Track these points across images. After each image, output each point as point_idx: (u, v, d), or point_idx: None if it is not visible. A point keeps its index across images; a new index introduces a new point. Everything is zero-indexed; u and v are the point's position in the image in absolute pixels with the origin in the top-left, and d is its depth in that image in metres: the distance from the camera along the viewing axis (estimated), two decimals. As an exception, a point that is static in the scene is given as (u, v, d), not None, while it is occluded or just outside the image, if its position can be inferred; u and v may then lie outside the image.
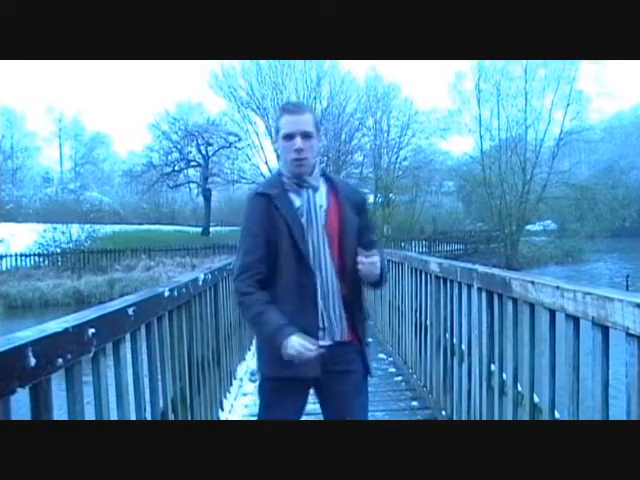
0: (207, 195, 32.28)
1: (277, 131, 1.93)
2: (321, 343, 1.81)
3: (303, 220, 1.87)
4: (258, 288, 1.87)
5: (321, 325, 1.87)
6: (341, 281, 1.90)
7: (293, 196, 1.91)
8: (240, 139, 29.98)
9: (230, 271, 3.96)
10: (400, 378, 4.85)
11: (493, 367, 2.65)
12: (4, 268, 20.75)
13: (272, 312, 1.83)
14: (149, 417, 2.11)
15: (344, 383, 1.90)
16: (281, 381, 1.86)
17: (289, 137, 1.86)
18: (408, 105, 30.08)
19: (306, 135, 1.86)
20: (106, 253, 22.11)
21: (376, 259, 1.84)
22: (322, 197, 1.93)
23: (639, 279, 19.04)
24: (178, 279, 3.04)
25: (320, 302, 1.86)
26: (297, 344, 1.74)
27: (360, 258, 1.82)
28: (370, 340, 2.14)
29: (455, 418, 3.33)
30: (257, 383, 2.07)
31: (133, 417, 1.93)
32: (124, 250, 22.42)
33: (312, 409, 2.06)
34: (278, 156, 1.96)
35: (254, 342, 1.98)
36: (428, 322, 4.03)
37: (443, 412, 3.61)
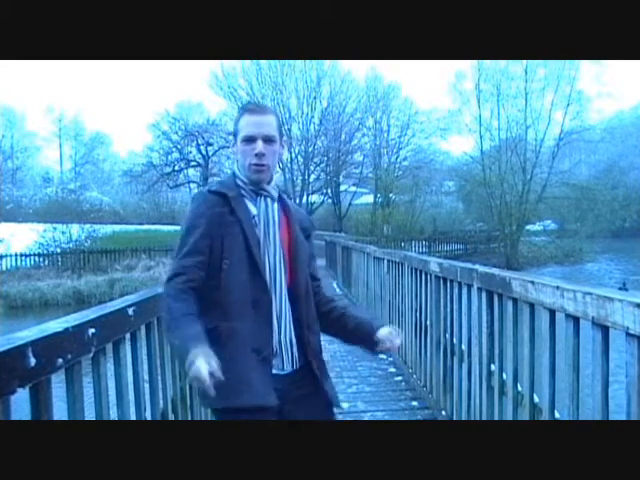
0: (207, 195, 32.20)
1: (235, 133, 1.73)
2: (274, 371, 1.63)
3: (257, 230, 1.67)
4: (188, 295, 1.58)
5: (275, 349, 1.64)
6: (294, 302, 1.70)
7: (249, 203, 1.71)
8: (240, 139, 29.93)
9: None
10: (400, 378, 4.85)
11: (493, 367, 2.65)
12: (4, 268, 20.74)
13: (189, 324, 1.51)
14: (149, 417, 2.11)
15: (305, 410, 1.65)
16: (233, 413, 1.55)
17: (249, 140, 1.68)
18: (408, 105, 30.14)
19: (268, 139, 1.68)
20: (106, 253, 22.10)
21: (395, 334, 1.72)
22: (275, 211, 1.74)
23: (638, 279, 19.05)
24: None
25: (275, 323, 1.65)
26: (195, 367, 1.35)
27: (391, 338, 1.70)
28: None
29: (455, 418, 3.33)
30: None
31: (133, 417, 1.94)
32: (124, 250, 22.41)
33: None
34: (237, 160, 1.74)
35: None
36: (428, 322, 4.03)
37: (443, 412, 3.61)
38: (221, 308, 1.62)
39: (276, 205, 1.75)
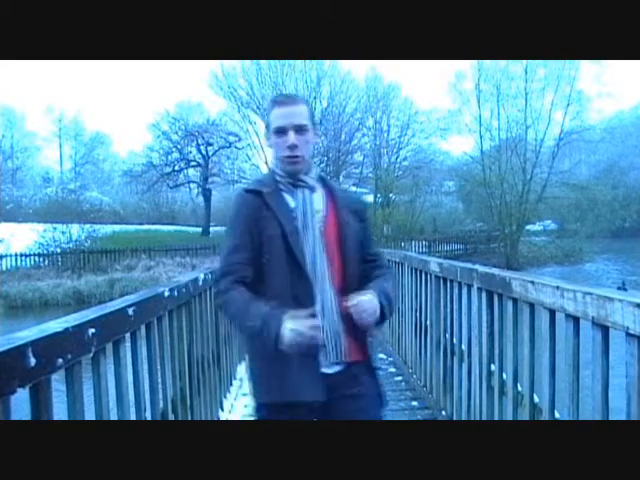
0: (207, 195, 32.29)
1: (268, 126, 1.72)
2: (323, 370, 1.59)
3: (297, 223, 1.65)
4: (242, 287, 1.63)
5: (320, 342, 1.58)
6: (340, 294, 1.64)
7: (287, 196, 1.70)
8: (240, 139, 30.01)
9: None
10: (400, 378, 4.85)
11: (493, 367, 2.65)
12: (4, 268, 20.75)
13: (256, 304, 1.57)
14: (149, 417, 2.11)
15: (353, 409, 1.64)
16: (279, 408, 1.60)
17: (281, 132, 1.66)
18: (408, 105, 30.12)
19: (300, 129, 1.66)
20: (106, 253, 22.11)
21: (366, 306, 1.58)
22: (319, 201, 1.72)
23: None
24: (178, 279, 3.04)
25: (319, 316, 1.59)
26: (296, 326, 1.47)
27: (350, 304, 1.58)
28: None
29: (455, 418, 3.33)
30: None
31: (133, 417, 1.93)
32: (124, 250, 22.42)
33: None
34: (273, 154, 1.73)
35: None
36: (428, 322, 4.03)
37: (443, 412, 3.61)
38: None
39: (318, 194, 1.72)
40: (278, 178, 1.72)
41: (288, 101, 1.70)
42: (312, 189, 1.71)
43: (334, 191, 1.77)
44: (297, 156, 1.67)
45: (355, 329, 1.64)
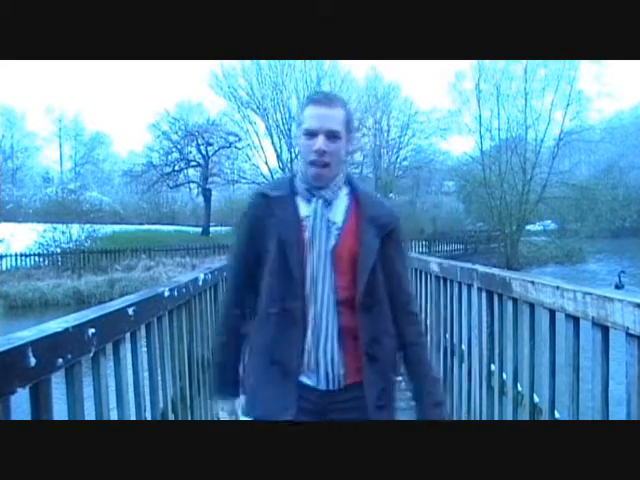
0: (207, 195, 32.27)
1: (299, 124, 1.58)
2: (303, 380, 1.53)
3: (307, 233, 1.52)
4: (241, 305, 1.63)
5: (307, 366, 1.51)
6: (346, 316, 1.51)
7: (301, 202, 1.56)
8: (240, 139, 30.00)
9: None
10: (400, 378, 4.85)
11: (493, 367, 2.65)
12: (4, 268, 20.73)
13: (230, 360, 1.67)
14: (149, 417, 2.11)
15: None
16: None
17: (311, 134, 1.51)
18: (408, 105, 30.16)
19: (332, 135, 1.51)
20: (106, 253, 22.10)
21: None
22: (339, 212, 1.56)
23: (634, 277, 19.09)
24: (178, 279, 3.04)
25: (309, 336, 1.50)
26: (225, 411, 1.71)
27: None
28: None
29: (455, 418, 3.33)
30: None
31: (133, 417, 1.93)
32: (124, 250, 22.41)
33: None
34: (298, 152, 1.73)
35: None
36: (428, 322, 4.03)
37: (443, 412, 3.61)
38: (253, 316, 1.59)
39: (343, 203, 1.58)
40: (298, 182, 1.58)
41: (325, 101, 1.54)
42: (328, 201, 1.56)
43: (361, 201, 1.59)
44: (325, 163, 1.51)
45: (372, 355, 1.54)
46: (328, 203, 1.56)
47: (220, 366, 1.71)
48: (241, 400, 1.65)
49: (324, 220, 1.54)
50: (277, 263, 1.51)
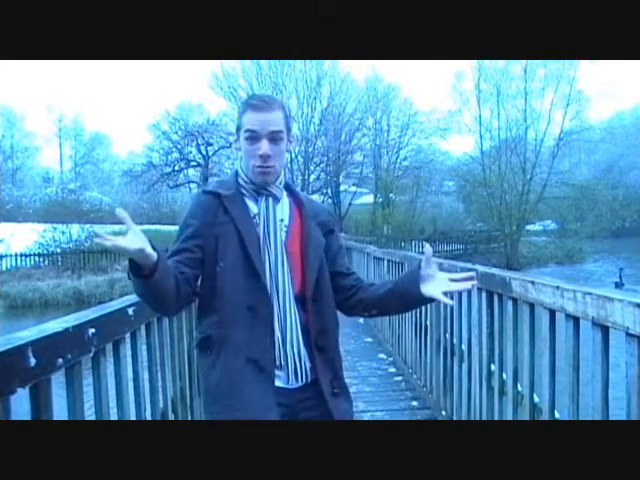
0: (207, 195, 32.21)
1: (238, 128, 1.59)
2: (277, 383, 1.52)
3: (259, 230, 1.55)
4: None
5: (277, 361, 1.52)
6: (301, 310, 1.55)
7: (249, 202, 1.59)
8: (240, 139, 29.96)
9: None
10: (400, 378, 4.85)
11: (493, 367, 2.65)
12: (4, 268, 20.74)
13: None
14: (149, 417, 2.11)
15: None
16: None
17: (253, 139, 1.53)
18: (408, 105, 30.13)
19: (274, 138, 1.53)
20: (106, 253, 22.05)
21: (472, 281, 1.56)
22: (284, 210, 1.62)
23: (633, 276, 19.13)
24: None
25: (277, 331, 1.52)
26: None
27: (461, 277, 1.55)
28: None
29: (455, 418, 3.33)
30: None
31: (133, 417, 1.94)
32: (124, 250, 22.37)
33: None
34: (241, 157, 1.60)
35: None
36: (428, 322, 4.04)
37: (443, 412, 3.61)
38: (215, 314, 1.53)
39: (284, 203, 1.63)
40: (242, 183, 1.61)
41: (264, 106, 1.54)
42: (276, 198, 1.61)
43: (301, 201, 1.66)
44: (269, 166, 1.55)
45: (321, 346, 1.57)
46: (277, 201, 1.61)
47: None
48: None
49: (275, 216, 1.58)
50: (238, 259, 1.51)
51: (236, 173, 1.65)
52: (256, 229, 1.55)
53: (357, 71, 51.72)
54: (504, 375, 2.52)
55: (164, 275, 1.40)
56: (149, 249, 1.35)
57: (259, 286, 1.51)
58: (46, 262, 21.68)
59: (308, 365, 1.55)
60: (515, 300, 2.34)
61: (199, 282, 1.57)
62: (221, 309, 1.52)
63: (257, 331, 1.50)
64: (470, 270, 2.92)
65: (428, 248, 1.59)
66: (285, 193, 1.66)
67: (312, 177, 30.77)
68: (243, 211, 1.57)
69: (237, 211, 1.56)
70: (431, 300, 1.59)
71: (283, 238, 1.57)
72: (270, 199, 1.60)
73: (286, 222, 1.60)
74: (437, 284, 1.56)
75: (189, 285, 1.51)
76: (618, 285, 17.26)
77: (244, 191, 1.61)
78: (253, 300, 1.50)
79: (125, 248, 1.34)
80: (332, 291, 1.66)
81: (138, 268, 1.38)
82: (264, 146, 1.53)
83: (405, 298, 1.63)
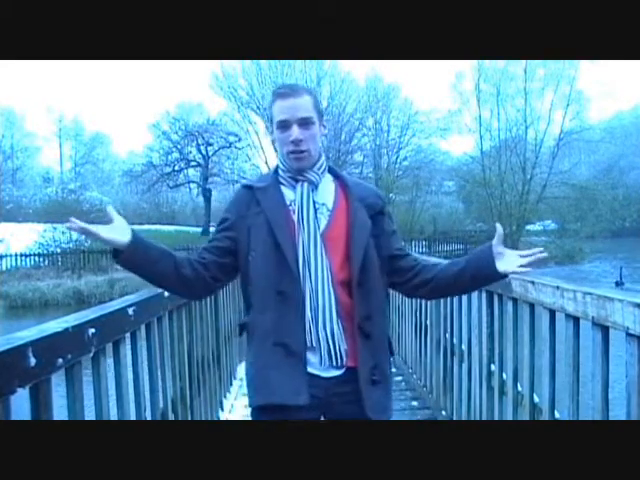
0: (207, 195, 32.27)
1: (271, 120, 1.63)
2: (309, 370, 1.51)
3: (293, 217, 1.57)
4: (186, 259, 1.59)
5: (309, 343, 1.52)
6: (341, 294, 1.54)
7: (285, 190, 1.62)
8: (240, 139, 30.01)
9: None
10: (400, 378, 4.85)
11: (493, 367, 2.65)
12: (4, 268, 20.73)
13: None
14: (149, 417, 2.11)
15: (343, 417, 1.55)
16: (263, 412, 1.54)
17: (284, 126, 1.56)
18: (408, 105, 30.17)
19: (304, 122, 1.55)
20: (106, 253, 21.95)
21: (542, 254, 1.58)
22: (328, 195, 1.62)
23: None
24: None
25: (308, 314, 1.52)
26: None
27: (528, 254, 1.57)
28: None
29: (455, 418, 3.33)
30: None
31: (133, 417, 1.94)
32: (124, 250, 22.38)
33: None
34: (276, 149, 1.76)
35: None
36: (428, 322, 4.03)
37: (443, 412, 3.61)
38: (250, 301, 1.60)
39: (328, 187, 1.63)
40: (280, 173, 1.64)
41: (291, 93, 1.57)
42: (313, 183, 1.61)
43: (346, 184, 1.65)
44: (302, 151, 1.56)
45: (367, 333, 1.55)
46: (314, 186, 1.61)
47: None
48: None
49: (310, 201, 1.58)
50: (269, 247, 1.54)
51: (275, 168, 1.68)
52: (289, 216, 1.57)
53: (357, 70, 51.73)
54: (504, 375, 2.52)
55: (145, 256, 1.53)
56: (121, 237, 1.52)
57: (288, 272, 1.52)
58: (46, 262, 21.68)
59: (343, 347, 1.53)
60: (515, 300, 2.34)
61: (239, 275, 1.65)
62: (253, 296, 1.58)
63: (286, 315, 1.52)
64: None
65: (499, 227, 1.63)
66: (331, 178, 1.66)
67: (312, 177, 30.70)
68: (276, 200, 1.59)
69: (269, 201, 1.59)
70: (505, 276, 1.62)
71: (324, 222, 1.58)
72: (306, 184, 1.60)
73: (330, 206, 1.60)
74: (510, 260, 1.59)
75: (206, 269, 1.59)
76: (619, 284, 17.29)
77: (282, 180, 1.63)
78: (283, 285, 1.52)
79: (94, 233, 1.56)
80: (392, 273, 1.66)
81: (115, 252, 1.54)
82: (295, 131, 1.55)
83: (477, 277, 1.64)
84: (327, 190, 1.63)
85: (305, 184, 1.60)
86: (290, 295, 1.52)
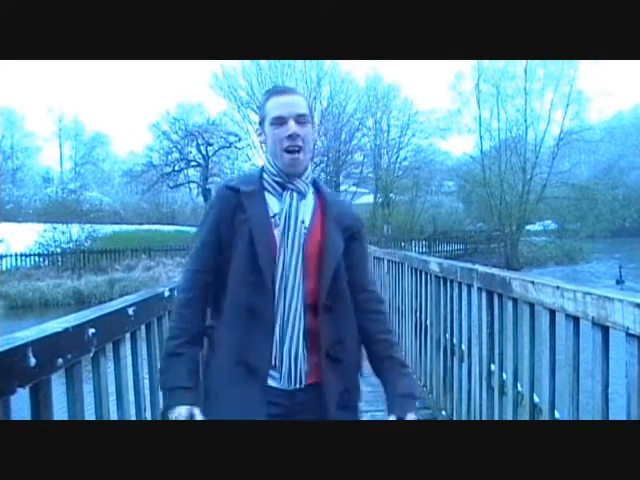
0: (207, 195, 32.19)
1: (262, 119, 1.55)
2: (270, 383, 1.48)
3: (277, 231, 1.48)
4: (197, 302, 1.53)
5: (273, 362, 1.46)
6: (313, 316, 1.48)
7: (271, 198, 1.52)
8: (240, 139, 29.99)
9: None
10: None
11: (493, 367, 2.65)
12: (4, 268, 20.74)
13: (184, 354, 1.48)
14: (149, 417, 2.11)
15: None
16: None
17: (280, 122, 1.48)
18: (408, 105, 30.13)
19: (301, 119, 1.49)
20: (106, 253, 22.10)
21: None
22: (307, 211, 1.54)
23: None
24: (178, 279, 3.04)
25: (277, 334, 1.46)
26: (175, 414, 1.46)
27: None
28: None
29: (455, 418, 3.33)
30: None
31: (133, 417, 1.93)
32: (124, 250, 22.41)
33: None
34: (266, 150, 1.54)
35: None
36: (428, 322, 4.03)
37: (443, 412, 3.61)
38: (218, 312, 1.51)
39: (308, 201, 1.55)
40: (266, 177, 1.55)
41: (286, 90, 1.56)
42: (301, 193, 1.53)
43: (325, 200, 1.57)
44: (299, 147, 1.48)
45: (335, 357, 1.50)
46: (302, 196, 1.53)
47: (175, 354, 1.49)
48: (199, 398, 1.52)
49: (298, 216, 1.50)
50: (247, 260, 1.46)
51: (261, 169, 1.59)
52: (273, 230, 1.49)
53: (357, 70, 51.77)
54: (504, 375, 2.52)
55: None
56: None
57: (264, 288, 1.45)
58: (46, 262, 21.69)
59: (304, 369, 1.48)
60: (515, 300, 2.34)
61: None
62: (222, 307, 1.49)
63: (253, 333, 1.46)
64: (470, 270, 2.93)
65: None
66: (311, 190, 1.58)
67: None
68: (260, 211, 1.50)
69: (254, 210, 1.49)
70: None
71: (302, 240, 1.49)
72: (295, 195, 1.51)
73: (307, 224, 1.52)
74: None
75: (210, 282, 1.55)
76: (619, 282, 17.31)
77: (268, 186, 1.54)
78: (255, 303, 1.46)
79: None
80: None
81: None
82: (292, 126, 1.48)
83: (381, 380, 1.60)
84: (307, 206, 1.55)
85: (294, 194, 1.52)
86: (260, 314, 1.46)
